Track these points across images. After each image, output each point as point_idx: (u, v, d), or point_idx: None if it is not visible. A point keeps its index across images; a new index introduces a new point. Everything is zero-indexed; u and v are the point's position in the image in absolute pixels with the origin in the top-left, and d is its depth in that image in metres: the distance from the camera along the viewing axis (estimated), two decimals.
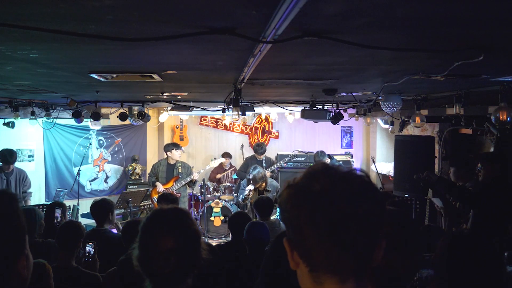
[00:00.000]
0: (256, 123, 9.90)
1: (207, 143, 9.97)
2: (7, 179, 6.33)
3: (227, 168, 8.89)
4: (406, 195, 5.82)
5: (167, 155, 7.38)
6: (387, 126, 7.27)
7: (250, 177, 6.67)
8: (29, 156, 7.77)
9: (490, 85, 3.96)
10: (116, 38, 2.05)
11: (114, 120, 7.84)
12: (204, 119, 9.84)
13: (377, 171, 7.33)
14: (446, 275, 1.64)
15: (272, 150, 9.33)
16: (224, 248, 4.05)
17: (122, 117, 6.36)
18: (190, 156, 9.76)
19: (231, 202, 7.86)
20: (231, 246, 3.97)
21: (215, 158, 8.28)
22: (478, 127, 5.12)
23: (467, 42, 2.24)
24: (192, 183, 7.35)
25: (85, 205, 7.19)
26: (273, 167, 8.11)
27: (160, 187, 7.19)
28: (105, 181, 8.97)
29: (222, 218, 7.59)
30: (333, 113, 5.84)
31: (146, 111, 6.42)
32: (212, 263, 1.54)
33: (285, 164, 8.20)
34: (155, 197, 7.11)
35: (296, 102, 6.66)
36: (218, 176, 8.86)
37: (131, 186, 8.37)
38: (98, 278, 3.01)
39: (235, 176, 8.69)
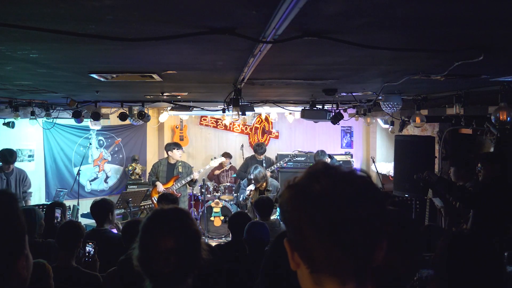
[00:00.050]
0: (256, 123, 9.90)
1: (207, 143, 9.97)
2: (7, 179, 6.33)
3: (227, 168, 8.89)
4: (406, 195, 5.82)
5: (168, 154, 7.39)
6: (387, 126, 7.26)
7: (251, 176, 6.66)
8: (29, 156, 7.77)
9: (490, 85, 3.96)
10: (116, 38, 2.05)
11: (114, 120, 7.84)
12: (204, 119, 9.84)
13: (377, 171, 7.34)
14: (446, 275, 1.64)
15: (272, 150, 9.32)
16: (224, 248, 4.04)
17: (122, 117, 6.36)
18: (190, 156, 9.75)
19: (231, 202, 7.86)
20: (231, 246, 3.97)
21: (215, 158, 8.28)
22: (478, 127, 5.12)
23: (467, 42, 2.24)
24: (192, 182, 7.37)
25: (85, 205, 7.19)
26: (273, 167, 8.11)
27: (160, 187, 7.20)
28: (105, 181, 8.97)
29: (222, 218, 7.59)
30: (333, 113, 5.84)
31: (146, 111, 6.42)
32: (212, 263, 1.54)
33: (285, 164, 8.20)
34: (155, 197, 7.11)
35: (296, 102, 6.66)
36: (217, 172, 8.86)
37: (131, 186, 8.37)
38: (98, 278, 3.01)
39: (235, 176, 8.70)
